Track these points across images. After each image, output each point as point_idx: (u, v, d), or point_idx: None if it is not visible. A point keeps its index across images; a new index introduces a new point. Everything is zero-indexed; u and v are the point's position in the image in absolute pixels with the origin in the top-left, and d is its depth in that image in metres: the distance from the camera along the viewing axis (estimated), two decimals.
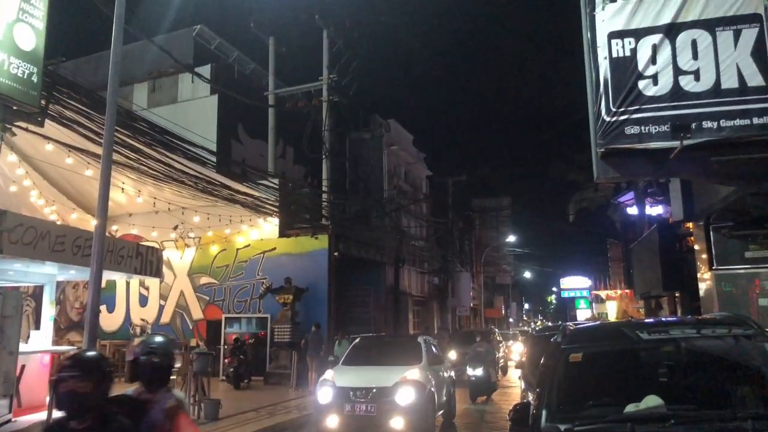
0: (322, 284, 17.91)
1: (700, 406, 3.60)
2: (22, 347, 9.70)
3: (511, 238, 49.57)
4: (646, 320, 6.36)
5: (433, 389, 10.06)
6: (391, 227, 26.06)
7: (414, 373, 9.95)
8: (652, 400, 3.52)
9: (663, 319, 6.86)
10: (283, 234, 18.66)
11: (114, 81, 7.66)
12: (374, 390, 9.53)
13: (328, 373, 10.48)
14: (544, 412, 3.69)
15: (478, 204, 49.41)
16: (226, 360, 16.98)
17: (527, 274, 68.98)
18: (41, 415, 9.32)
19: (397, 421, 9.30)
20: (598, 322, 5.83)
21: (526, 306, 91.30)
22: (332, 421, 9.60)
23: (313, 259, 18.14)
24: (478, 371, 15.36)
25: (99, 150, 9.87)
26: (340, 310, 18.84)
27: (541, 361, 4.60)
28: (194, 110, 21.57)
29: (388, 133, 30.30)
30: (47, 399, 8.42)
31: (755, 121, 7.83)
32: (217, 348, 17.64)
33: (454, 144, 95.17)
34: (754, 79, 7.93)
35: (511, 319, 68.80)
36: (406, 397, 9.45)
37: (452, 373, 12.63)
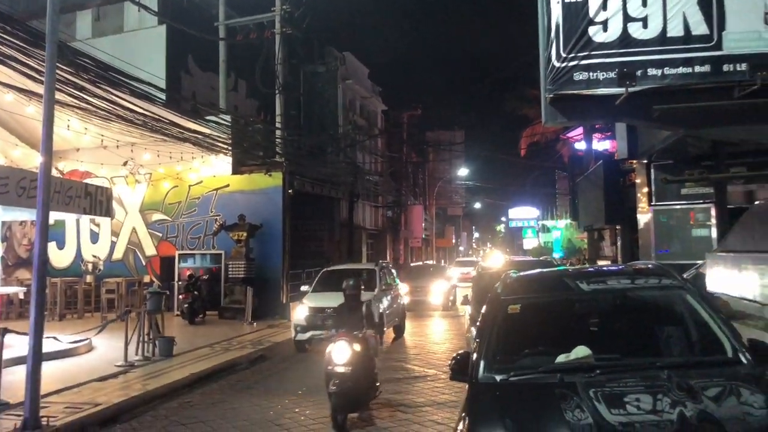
0: (276, 221, 17.97)
1: (626, 354, 3.84)
2: None
3: (464, 171, 50.17)
4: (587, 269, 6.66)
5: None
6: (346, 162, 26.06)
7: None
8: (581, 351, 3.74)
9: (603, 268, 7.20)
10: (236, 171, 18.48)
11: (54, 22, 7.32)
12: None
13: None
14: (482, 363, 3.86)
15: (432, 138, 49.53)
16: (180, 296, 17.09)
17: (478, 205, 70.33)
18: None
19: None
20: (537, 271, 6.04)
21: (476, 235, 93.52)
22: None
23: (267, 196, 18.11)
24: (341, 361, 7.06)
25: (39, 88, 9.51)
26: (294, 246, 19.01)
27: (482, 311, 4.80)
28: (142, 40, 20.67)
29: (344, 67, 29.78)
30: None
31: (697, 69, 8.14)
32: (171, 284, 17.72)
33: (410, 78, 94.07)
34: (699, 27, 8.18)
35: (461, 248, 70.58)
36: None
37: None
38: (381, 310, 12.57)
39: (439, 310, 20.41)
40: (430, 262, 33.82)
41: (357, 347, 7.12)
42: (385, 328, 12.58)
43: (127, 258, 19.80)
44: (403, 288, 16.95)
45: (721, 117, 8.35)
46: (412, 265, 30.60)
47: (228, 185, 18.62)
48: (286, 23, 18.38)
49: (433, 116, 44.97)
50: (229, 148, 17.23)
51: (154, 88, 13.49)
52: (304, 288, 14.55)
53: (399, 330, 14.86)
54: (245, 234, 17.38)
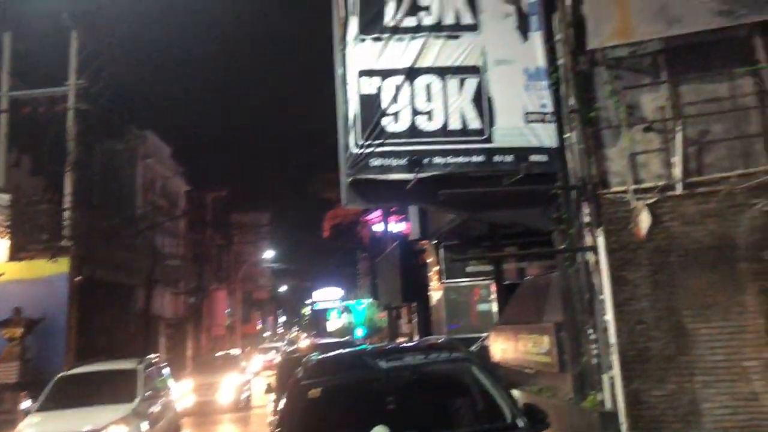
0: (60, 313, 16.01)
1: (422, 430, 4.05)
2: None
3: (270, 253, 49.96)
4: (386, 347, 6.97)
5: None
6: (144, 246, 24.67)
7: None
8: (379, 431, 3.87)
9: (400, 345, 7.57)
10: (14, 257, 16.46)
11: None
12: None
13: None
14: None
15: (238, 219, 48.93)
16: None
17: (284, 288, 70.02)
18: None
19: None
20: (337, 352, 6.18)
21: (283, 319, 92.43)
22: None
23: (50, 285, 16.20)
24: None
25: None
26: (82, 341, 17.13)
27: (281, 402, 4.77)
28: None
29: (144, 145, 28.68)
30: None
31: (473, 159, 9.20)
32: None
33: (216, 159, 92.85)
34: (474, 122, 9.31)
35: (267, 333, 69.16)
36: None
37: None
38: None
39: (230, 411, 18.01)
40: (235, 351, 32.57)
41: None
42: None
43: None
44: (185, 387, 15.04)
45: (495, 202, 9.42)
46: (203, 357, 27.28)
47: (3, 274, 16.52)
48: (81, 98, 17.46)
49: (239, 197, 44.68)
50: (7, 231, 15.49)
51: None
52: (25, 405, 10.76)
53: None
54: (21, 330, 15.15)
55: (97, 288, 19.37)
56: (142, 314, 24.78)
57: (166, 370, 12.92)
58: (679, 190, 7.92)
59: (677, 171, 7.93)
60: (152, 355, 14.03)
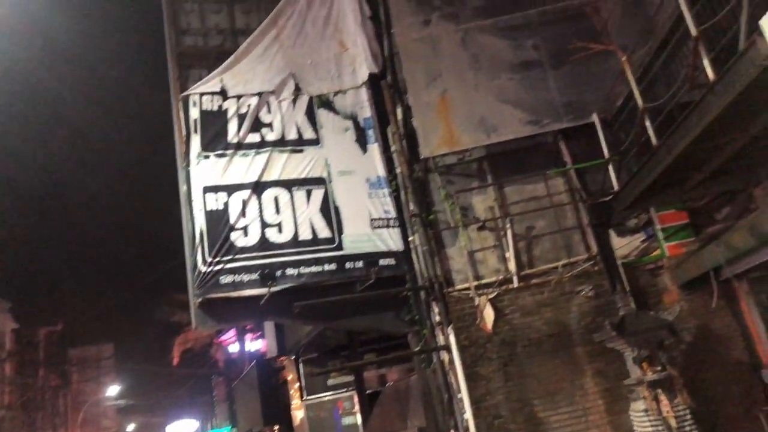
0: None
1: None
2: None
3: (114, 389, 45.51)
4: None
5: None
6: None
7: None
8: None
9: None
10: None
11: None
12: None
13: None
14: None
15: (77, 355, 44.51)
16: None
17: (132, 427, 63.56)
18: None
19: None
20: None
21: None
22: None
23: None
24: None
25: None
26: None
27: None
28: None
29: None
30: None
31: (326, 267, 9.32)
32: None
33: (48, 290, 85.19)
34: (323, 231, 9.52)
35: None
36: None
37: None
38: None
39: None
40: None
41: None
42: None
43: None
44: None
45: (351, 309, 9.48)
46: None
47: None
48: None
49: (76, 330, 40.94)
50: None
51: None
52: None
53: None
54: None
55: None
56: None
57: None
58: (515, 282, 8.50)
59: (512, 265, 8.56)
60: None
